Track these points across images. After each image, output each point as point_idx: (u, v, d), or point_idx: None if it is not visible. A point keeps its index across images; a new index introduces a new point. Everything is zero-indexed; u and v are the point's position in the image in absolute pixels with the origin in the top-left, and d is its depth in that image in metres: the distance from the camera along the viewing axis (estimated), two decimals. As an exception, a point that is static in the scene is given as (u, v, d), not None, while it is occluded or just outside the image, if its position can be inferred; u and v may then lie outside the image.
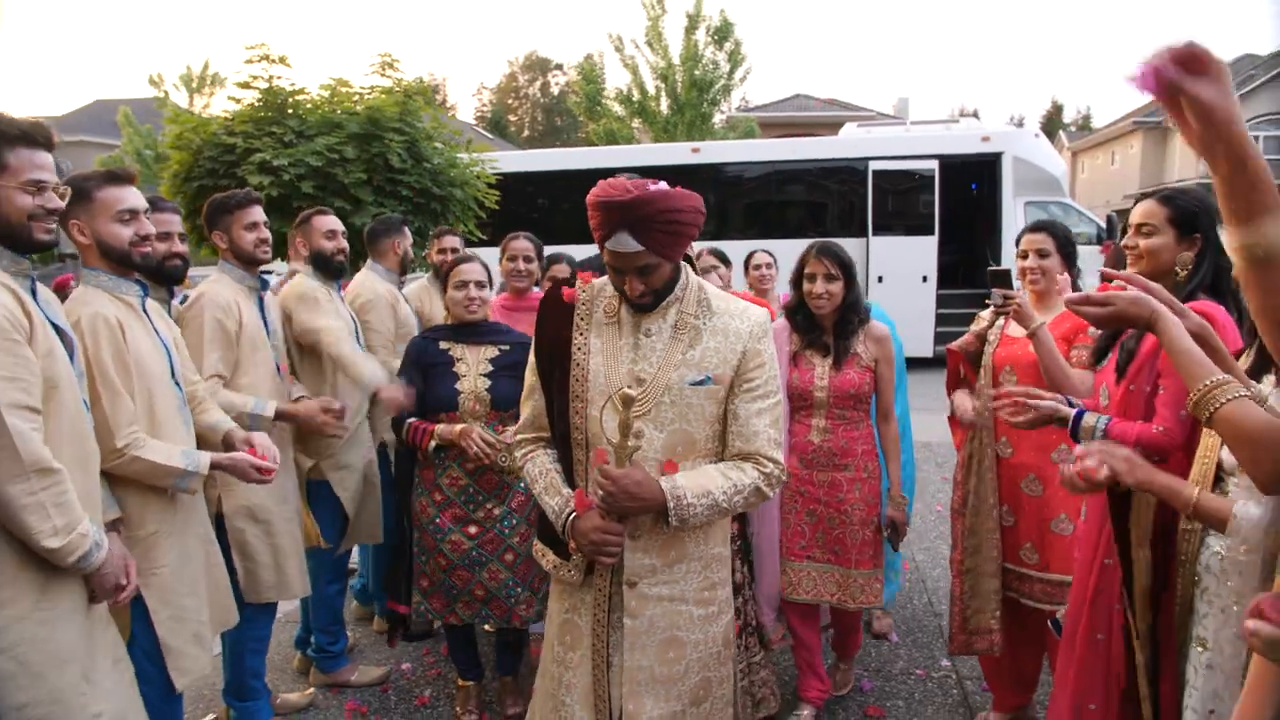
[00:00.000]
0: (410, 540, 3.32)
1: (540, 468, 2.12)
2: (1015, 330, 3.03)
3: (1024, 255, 3.08)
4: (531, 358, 2.15)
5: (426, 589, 3.24)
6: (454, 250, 4.31)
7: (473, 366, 3.21)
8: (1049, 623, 2.93)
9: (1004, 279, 2.93)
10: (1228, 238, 1.32)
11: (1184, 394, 1.70)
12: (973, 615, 3.11)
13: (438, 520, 3.17)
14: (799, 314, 3.30)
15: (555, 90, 59.33)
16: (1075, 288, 3.14)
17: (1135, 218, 2.41)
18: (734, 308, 2.07)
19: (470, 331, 3.27)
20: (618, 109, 20.76)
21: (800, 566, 3.27)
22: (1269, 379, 1.74)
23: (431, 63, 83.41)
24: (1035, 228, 3.12)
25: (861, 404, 3.24)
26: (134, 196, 2.49)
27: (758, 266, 4.86)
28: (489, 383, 3.19)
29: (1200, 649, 1.81)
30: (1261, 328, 1.35)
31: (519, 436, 2.21)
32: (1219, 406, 1.52)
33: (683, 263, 2.06)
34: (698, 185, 2.68)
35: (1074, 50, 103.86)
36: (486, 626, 3.34)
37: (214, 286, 3.18)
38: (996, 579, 3.06)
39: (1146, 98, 1.24)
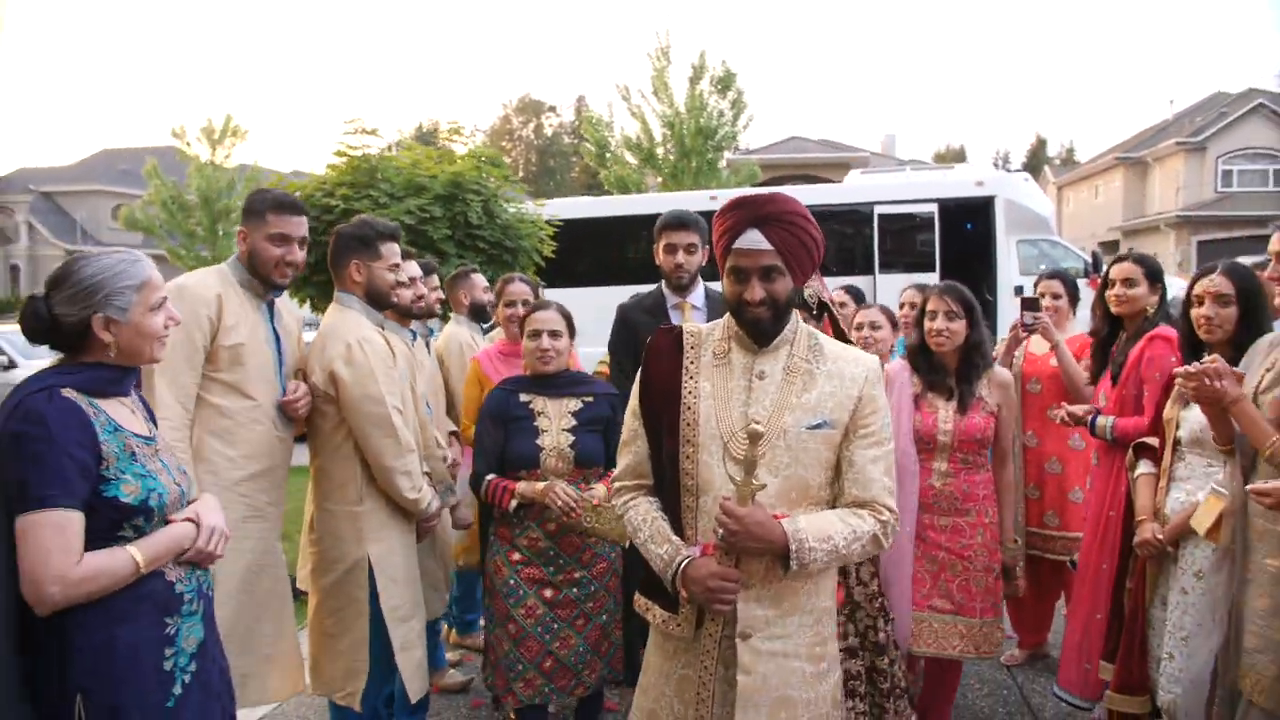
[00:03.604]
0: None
1: (644, 515, 2.03)
2: (1036, 349, 4.09)
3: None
4: (634, 402, 2.10)
5: (493, 661, 3.09)
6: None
7: (555, 421, 3.05)
8: (1068, 562, 3.98)
9: (1034, 304, 3.96)
10: None
11: (1161, 394, 2.72)
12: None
13: (512, 582, 3.00)
14: (921, 355, 3.27)
15: (549, 132, 60.73)
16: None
17: (1120, 274, 3.47)
18: (847, 353, 2.06)
19: (550, 383, 3.11)
20: (628, 156, 21.83)
21: (922, 617, 3.17)
22: None
23: (426, 106, 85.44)
24: (1050, 275, 4.21)
25: (985, 448, 3.22)
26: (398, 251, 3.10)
27: (902, 305, 4.40)
28: (572, 438, 3.03)
29: (1183, 593, 2.61)
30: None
31: (617, 485, 2.14)
32: None
33: (794, 310, 2.06)
34: None
35: (1056, 87, 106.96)
36: (550, 708, 3.15)
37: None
38: (1023, 540, 4.00)
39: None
